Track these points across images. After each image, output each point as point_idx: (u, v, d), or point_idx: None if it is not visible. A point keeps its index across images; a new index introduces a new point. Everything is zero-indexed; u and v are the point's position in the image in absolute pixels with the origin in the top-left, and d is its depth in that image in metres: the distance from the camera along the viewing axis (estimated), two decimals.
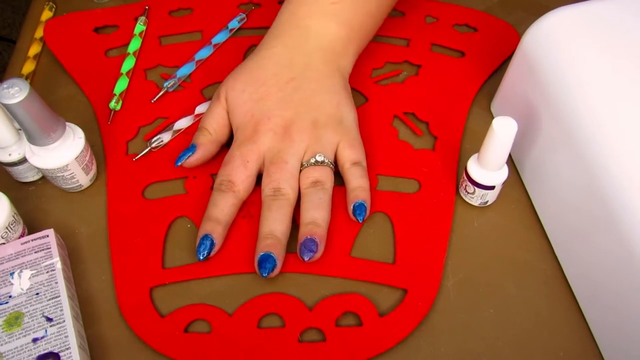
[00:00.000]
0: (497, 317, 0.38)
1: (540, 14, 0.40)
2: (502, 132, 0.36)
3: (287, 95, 0.42)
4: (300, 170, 0.41)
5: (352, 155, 0.41)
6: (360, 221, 0.40)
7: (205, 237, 0.38)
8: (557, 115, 0.37)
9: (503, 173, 0.40)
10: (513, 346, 0.37)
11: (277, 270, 0.38)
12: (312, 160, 0.41)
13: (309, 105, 0.42)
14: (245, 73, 0.44)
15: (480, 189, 0.40)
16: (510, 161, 0.44)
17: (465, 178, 0.41)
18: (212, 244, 0.38)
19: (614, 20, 0.38)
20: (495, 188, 0.40)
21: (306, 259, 0.38)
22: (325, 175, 0.40)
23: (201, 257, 0.38)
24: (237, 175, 0.40)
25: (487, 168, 0.39)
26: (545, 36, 0.39)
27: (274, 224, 0.39)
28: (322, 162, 0.41)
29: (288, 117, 0.41)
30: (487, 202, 0.42)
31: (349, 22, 0.44)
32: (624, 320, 0.34)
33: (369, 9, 0.45)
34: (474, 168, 0.40)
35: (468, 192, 0.41)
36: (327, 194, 0.40)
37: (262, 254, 0.38)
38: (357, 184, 0.41)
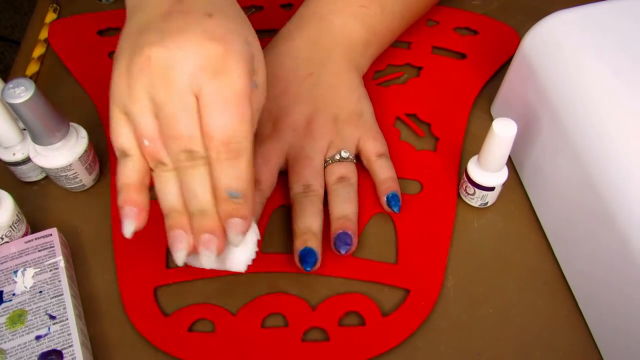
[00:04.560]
0: (497, 317, 0.38)
1: (540, 18, 0.40)
2: (502, 134, 0.36)
3: (306, 91, 0.42)
4: (325, 166, 0.41)
5: (375, 147, 0.42)
6: (397, 211, 0.40)
7: None
8: (557, 118, 0.38)
9: (503, 174, 0.40)
10: (512, 346, 0.37)
11: (318, 264, 0.38)
12: (337, 157, 0.41)
13: (328, 101, 0.42)
14: None
15: (480, 190, 0.41)
16: (510, 163, 0.44)
17: (466, 179, 0.41)
18: None
19: (614, 23, 0.38)
20: (495, 189, 0.40)
21: (343, 252, 0.38)
22: (351, 171, 0.41)
23: None
24: (260, 174, 0.40)
25: (487, 169, 0.39)
26: (545, 39, 0.39)
27: (310, 220, 0.39)
28: (347, 158, 0.41)
29: (308, 113, 0.41)
30: (487, 203, 0.42)
31: (374, 28, 0.45)
32: (623, 320, 0.34)
33: (392, 23, 0.46)
34: (474, 169, 0.40)
35: (468, 193, 0.42)
36: (354, 189, 0.40)
37: (302, 248, 0.38)
38: (387, 175, 0.41)
